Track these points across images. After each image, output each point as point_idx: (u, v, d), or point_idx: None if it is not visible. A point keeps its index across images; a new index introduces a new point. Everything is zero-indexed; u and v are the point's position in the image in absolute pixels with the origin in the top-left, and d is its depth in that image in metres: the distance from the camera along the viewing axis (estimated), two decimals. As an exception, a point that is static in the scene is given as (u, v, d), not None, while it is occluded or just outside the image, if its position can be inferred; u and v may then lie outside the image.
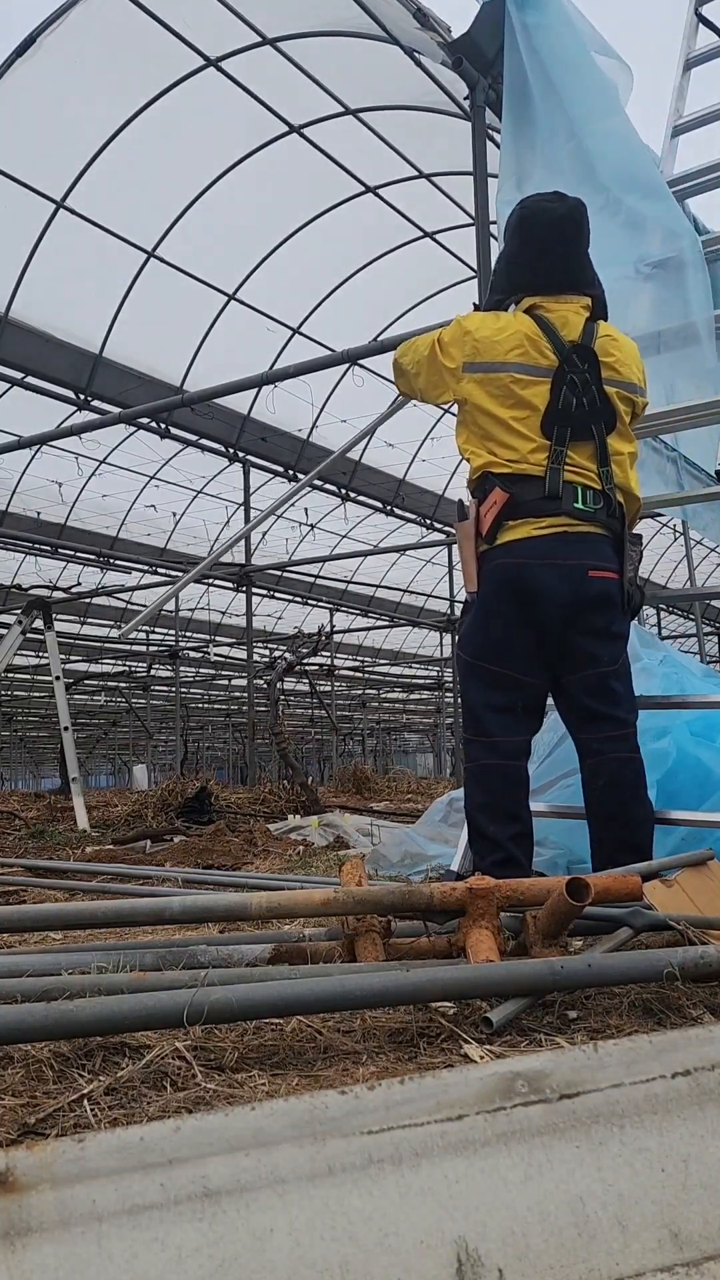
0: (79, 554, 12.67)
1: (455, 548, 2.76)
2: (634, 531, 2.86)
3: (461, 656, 2.83)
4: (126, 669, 19.59)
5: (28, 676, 19.49)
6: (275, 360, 10.81)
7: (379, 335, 10.04)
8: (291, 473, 12.46)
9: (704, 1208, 0.91)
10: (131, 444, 12.05)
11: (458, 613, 5.19)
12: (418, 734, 34.70)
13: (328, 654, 16.26)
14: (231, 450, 11.71)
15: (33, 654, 16.06)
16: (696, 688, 3.66)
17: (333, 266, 10.35)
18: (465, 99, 4.16)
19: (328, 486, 13.20)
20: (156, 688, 20.10)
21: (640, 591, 2.82)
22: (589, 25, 3.78)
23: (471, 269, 8.25)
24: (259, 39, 7.51)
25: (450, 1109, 0.92)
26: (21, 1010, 1.35)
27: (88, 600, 14.08)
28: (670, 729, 3.41)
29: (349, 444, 4.25)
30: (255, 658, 12.23)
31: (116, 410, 9.04)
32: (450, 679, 15.29)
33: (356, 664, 21.01)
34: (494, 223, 3.81)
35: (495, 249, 3.99)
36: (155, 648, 17.87)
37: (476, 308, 3.09)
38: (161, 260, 9.52)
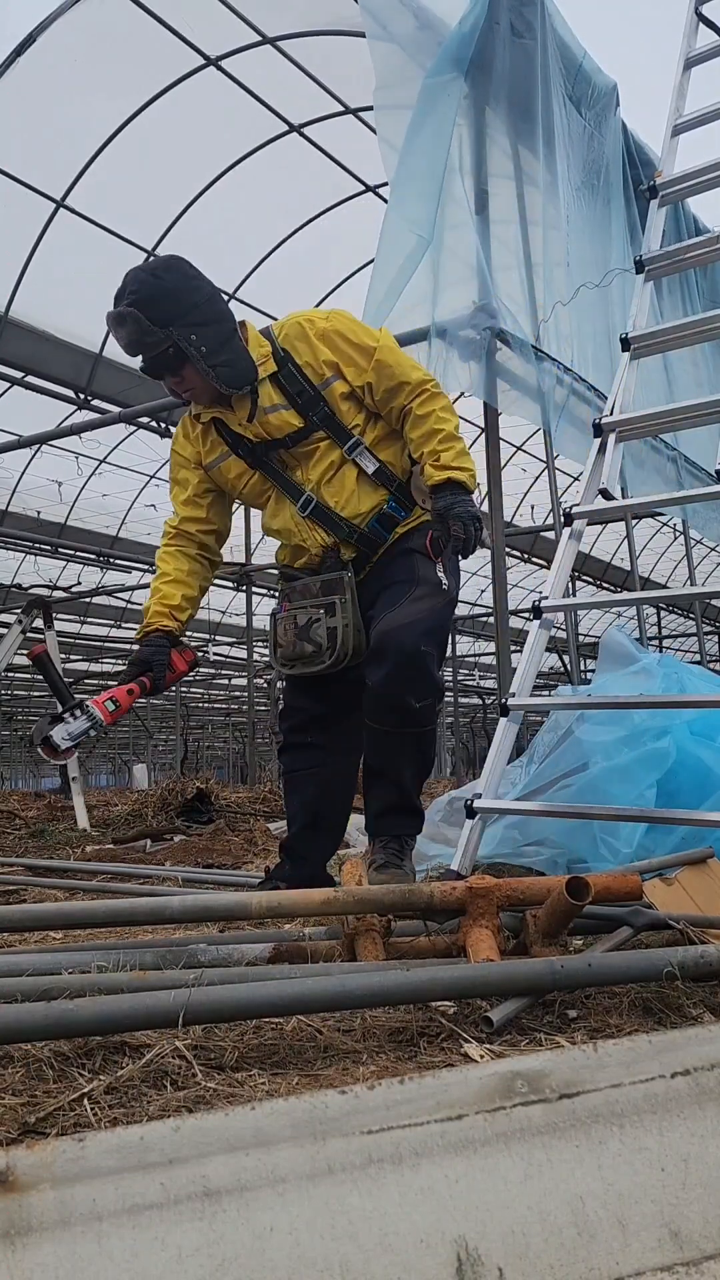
0: (79, 553, 12.66)
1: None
2: None
3: None
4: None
5: (28, 676, 19.47)
6: (275, 360, 10.79)
7: (379, 335, 10.01)
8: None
9: (704, 1207, 0.91)
10: (131, 443, 12.04)
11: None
12: (418, 733, 34.56)
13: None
14: (231, 450, 11.68)
15: (33, 653, 16.01)
16: (696, 688, 3.65)
17: (333, 265, 10.34)
18: (465, 98, 4.16)
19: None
20: (156, 687, 20.00)
21: None
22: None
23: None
24: (259, 38, 7.51)
25: (450, 1108, 0.92)
26: (21, 1010, 1.35)
27: (88, 600, 14.06)
28: (670, 729, 3.40)
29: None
30: (255, 657, 12.22)
31: (116, 410, 9.03)
32: (450, 678, 15.26)
33: (356, 663, 20.91)
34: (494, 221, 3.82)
35: (495, 246, 3.99)
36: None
37: None
38: (161, 259, 9.51)
